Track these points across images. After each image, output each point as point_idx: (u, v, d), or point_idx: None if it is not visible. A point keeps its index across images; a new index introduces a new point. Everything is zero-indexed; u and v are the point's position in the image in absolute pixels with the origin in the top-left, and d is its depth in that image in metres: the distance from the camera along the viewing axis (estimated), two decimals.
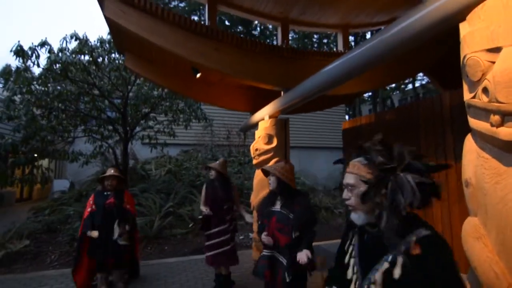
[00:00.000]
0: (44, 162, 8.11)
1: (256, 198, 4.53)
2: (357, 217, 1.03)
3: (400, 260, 0.89)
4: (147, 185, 6.96)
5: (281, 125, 4.27)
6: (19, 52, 4.82)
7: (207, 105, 8.32)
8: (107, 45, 5.87)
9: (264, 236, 2.17)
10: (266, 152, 4.20)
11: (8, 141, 5.07)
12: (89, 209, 3.31)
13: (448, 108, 2.92)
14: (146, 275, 3.74)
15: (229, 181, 3.37)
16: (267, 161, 4.29)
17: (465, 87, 1.61)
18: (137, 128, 7.25)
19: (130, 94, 6.64)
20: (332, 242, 5.23)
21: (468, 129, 2.73)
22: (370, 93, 21.58)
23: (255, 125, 5.14)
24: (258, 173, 4.71)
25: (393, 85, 21.69)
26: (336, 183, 11.35)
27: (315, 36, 19.39)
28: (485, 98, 1.37)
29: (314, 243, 2.08)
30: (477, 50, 1.45)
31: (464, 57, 1.55)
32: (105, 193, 3.39)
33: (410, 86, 20.37)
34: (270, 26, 19.25)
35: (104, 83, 6.33)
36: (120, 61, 6.20)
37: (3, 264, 4.13)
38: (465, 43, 1.55)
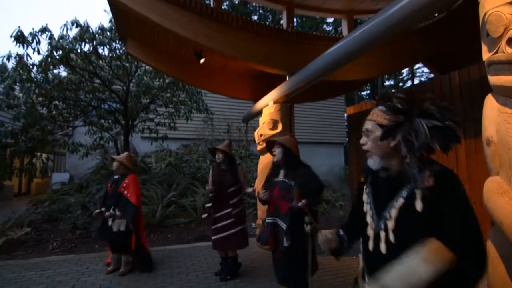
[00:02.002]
0: (43, 156, 8.00)
1: (260, 184, 4.50)
2: (372, 162, 1.07)
3: (419, 193, 0.94)
4: (148, 177, 6.90)
5: (286, 110, 4.24)
6: (20, 38, 4.75)
7: (207, 96, 8.29)
8: (108, 33, 5.80)
9: (262, 192, 2.26)
10: (270, 137, 4.16)
11: (8, 128, 4.99)
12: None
13: (457, 86, 2.90)
14: None
15: (235, 162, 3.32)
16: None
17: (484, 47, 1.59)
18: (137, 120, 7.19)
19: (131, 85, 6.56)
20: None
21: (477, 105, 2.71)
22: (368, 91, 21.64)
23: (258, 114, 5.10)
24: (262, 160, 4.69)
25: (392, 82, 21.78)
26: (335, 178, 11.32)
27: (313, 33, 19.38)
28: (509, 50, 1.35)
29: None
30: (499, 4, 1.42)
31: (485, 14, 1.52)
32: (114, 177, 3.48)
33: (409, 83, 20.42)
34: (269, 21, 19.23)
35: (105, 73, 6.26)
36: (121, 51, 6.14)
37: (4, 251, 4.06)
38: (485, 0, 1.53)
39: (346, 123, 15.19)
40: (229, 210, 3.11)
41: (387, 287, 0.61)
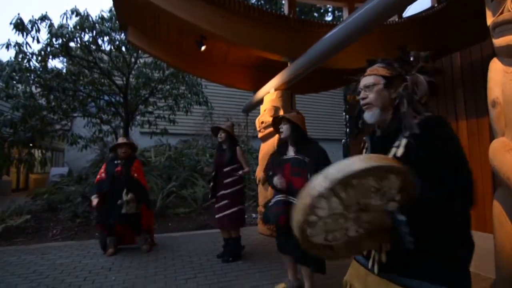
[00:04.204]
0: (41, 150, 7.95)
1: (261, 171, 4.50)
2: (371, 115, 1.10)
3: (403, 141, 0.98)
4: (148, 169, 6.87)
5: (287, 97, 4.24)
6: (19, 25, 4.72)
7: (207, 88, 8.27)
8: (107, 23, 5.78)
9: (276, 179, 2.14)
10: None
11: (7, 117, 4.96)
12: (98, 177, 3.45)
13: (459, 67, 2.92)
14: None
15: (235, 143, 3.30)
16: (273, 133, 4.25)
17: (489, 13, 1.60)
18: (137, 112, 7.15)
19: (130, 77, 6.52)
20: None
21: (479, 86, 2.71)
22: None
23: (259, 103, 5.10)
24: (263, 147, 4.69)
25: None
26: None
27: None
28: None
29: None
30: None
31: None
32: (116, 162, 3.50)
33: None
34: None
35: (104, 64, 6.24)
36: (121, 42, 6.11)
37: (3, 238, 4.03)
38: None
39: (344, 118, 15.24)
40: (223, 191, 3.15)
41: (326, 173, 0.72)
